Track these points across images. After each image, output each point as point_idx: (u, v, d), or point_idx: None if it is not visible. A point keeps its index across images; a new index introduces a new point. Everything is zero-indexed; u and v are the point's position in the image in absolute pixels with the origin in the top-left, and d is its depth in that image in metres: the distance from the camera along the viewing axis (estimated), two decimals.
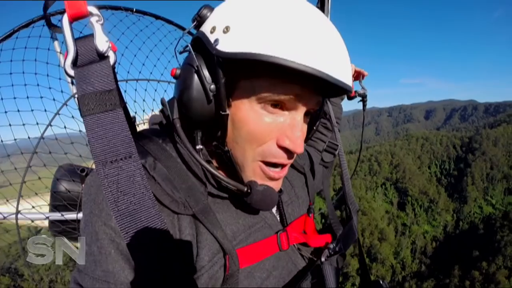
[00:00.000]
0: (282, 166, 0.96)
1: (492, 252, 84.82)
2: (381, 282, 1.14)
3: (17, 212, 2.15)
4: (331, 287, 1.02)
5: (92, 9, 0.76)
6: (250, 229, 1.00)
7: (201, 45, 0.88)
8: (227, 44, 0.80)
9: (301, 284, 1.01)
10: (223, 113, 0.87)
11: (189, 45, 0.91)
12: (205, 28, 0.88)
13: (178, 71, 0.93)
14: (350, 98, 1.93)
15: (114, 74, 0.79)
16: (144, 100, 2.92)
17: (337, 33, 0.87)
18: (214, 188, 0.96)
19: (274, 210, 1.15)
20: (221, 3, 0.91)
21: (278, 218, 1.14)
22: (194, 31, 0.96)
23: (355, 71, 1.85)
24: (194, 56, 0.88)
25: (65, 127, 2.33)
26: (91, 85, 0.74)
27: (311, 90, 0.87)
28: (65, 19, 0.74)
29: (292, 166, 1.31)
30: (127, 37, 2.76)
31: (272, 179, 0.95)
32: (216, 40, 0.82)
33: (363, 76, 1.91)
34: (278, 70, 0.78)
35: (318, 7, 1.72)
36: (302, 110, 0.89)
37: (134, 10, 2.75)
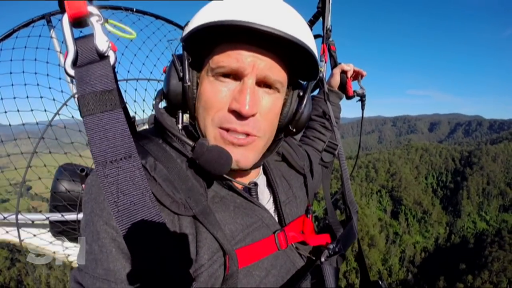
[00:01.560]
0: (245, 136, 0.97)
1: (479, 267, 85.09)
2: (380, 282, 1.15)
3: (17, 212, 2.15)
4: (331, 287, 1.03)
5: (92, 9, 0.76)
6: (248, 229, 1.01)
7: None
8: (185, 32, 0.96)
9: (301, 284, 1.01)
10: (185, 84, 0.99)
11: (173, 55, 1.05)
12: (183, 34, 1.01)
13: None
14: (348, 97, 1.93)
15: (114, 74, 0.80)
16: (144, 100, 2.95)
17: (278, 2, 0.94)
18: (209, 182, 1.00)
19: (272, 210, 1.17)
20: None
21: (276, 218, 1.16)
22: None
23: (354, 71, 1.88)
24: (172, 54, 1.04)
25: (65, 127, 2.37)
26: (91, 85, 0.74)
27: (254, 51, 0.92)
28: (65, 19, 0.75)
29: (291, 166, 1.33)
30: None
31: (230, 143, 0.96)
32: (183, 33, 0.99)
33: (362, 76, 1.93)
34: (221, 39, 0.93)
35: (318, 8, 2.00)
36: (251, 75, 0.93)
37: (134, 10, 2.79)
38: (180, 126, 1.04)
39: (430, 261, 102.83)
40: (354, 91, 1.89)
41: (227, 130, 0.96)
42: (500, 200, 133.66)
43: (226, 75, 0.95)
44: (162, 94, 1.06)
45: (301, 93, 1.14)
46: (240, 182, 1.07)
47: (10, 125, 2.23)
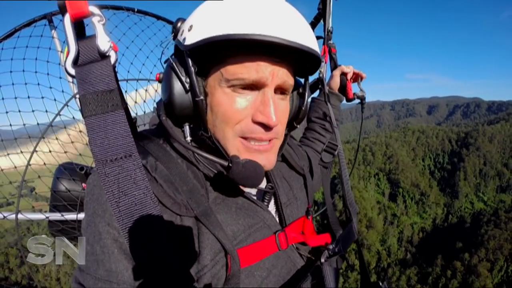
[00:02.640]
0: (263, 141, 0.99)
1: (476, 245, 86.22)
2: (380, 284, 1.15)
3: (17, 211, 2.16)
4: None
5: (93, 9, 0.76)
6: (249, 229, 1.01)
7: (178, 50, 1.00)
8: (191, 38, 0.90)
9: (301, 285, 1.02)
10: (197, 99, 0.95)
11: (170, 58, 1.01)
12: (179, 35, 0.99)
13: (161, 76, 1.03)
14: (348, 100, 1.93)
15: (115, 73, 0.80)
16: (144, 101, 2.94)
17: (285, 8, 0.93)
18: (212, 183, 1.00)
19: (273, 211, 1.18)
20: None
21: (277, 219, 1.16)
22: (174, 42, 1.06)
23: (353, 73, 1.87)
24: (171, 58, 1.00)
25: (65, 127, 2.38)
26: (92, 85, 0.74)
27: (271, 61, 0.92)
28: (67, 18, 0.75)
29: (291, 167, 1.33)
30: (128, 37, 2.77)
31: (256, 151, 0.98)
32: (184, 39, 0.93)
33: (362, 78, 1.92)
34: (236, 48, 0.89)
35: (319, 9, 2.00)
36: (271, 85, 0.94)
37: (136, 10, 2.77)
38: (189, 139, 1.01)
39: (428, 240, 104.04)
40: (354, 94, 1.90)
41: (251, 138, 0.97)
42: (497, 181, 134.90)
43: (244, 86, 0.93)
44: (164, 105, 1.02)
45: (301, 90, 1.16)
46: (258, 187, 1.10)
47: (11, 125, 2.23)
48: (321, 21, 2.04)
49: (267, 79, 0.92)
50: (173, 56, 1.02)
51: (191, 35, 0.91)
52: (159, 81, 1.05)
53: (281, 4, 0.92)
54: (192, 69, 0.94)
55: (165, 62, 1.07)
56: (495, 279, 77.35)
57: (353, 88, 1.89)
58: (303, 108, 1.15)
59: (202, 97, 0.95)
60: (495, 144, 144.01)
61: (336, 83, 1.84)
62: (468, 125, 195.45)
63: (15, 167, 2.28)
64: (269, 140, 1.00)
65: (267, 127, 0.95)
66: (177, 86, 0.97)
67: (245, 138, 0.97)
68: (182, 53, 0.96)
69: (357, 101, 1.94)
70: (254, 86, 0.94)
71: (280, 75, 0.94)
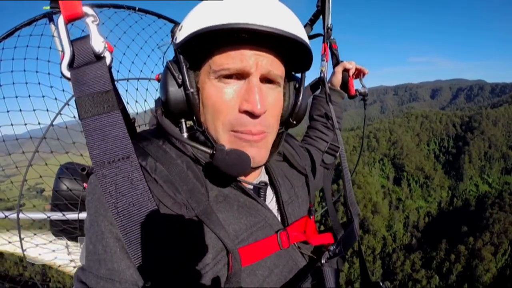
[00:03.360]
0: (253, 134, 0.98)
1: (480, 228, 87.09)
2: (381, 284, 1.15)
3: (19, 211, 2.16)
4: None
5: (87, 9, 0.76)
6: (251, 228, 1.01)
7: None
8: (180, 36, 0.94)
9: (301, 285, 1.02)
10: (187, 91, 0.97)
11: (166, 60, 1.03)
12: (174, 38, 1.01)
13: (161, 75, 1.05)
14: (350, 97, 1.90)
15: (111, 74, 0.81)
16: (145, 100, 2.91)
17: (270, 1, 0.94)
18: (213, 181, 1.00)
19: (274, 210, 1.17)
20: None
21: (279, 218, 1.15)
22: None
23: (356, 69, 1.85)
24: (166, 58, 1.03)
25: (66, 127, 2.36)
26: (88, 87, 0.75)
27: (255, 50, 0.93)
28: (61, 20, 0.75)
29: (292, 166, 1.33)
30: (129, 36, 2.74)
31: (245, 141, 0.97)
32: (175, 38, 0.98)
33: (364, 74, 1.90)
34: (221, 41, 0.92)
35: (318, 6, 1.94)
36: (256, 74, 0.94)
37: (137, 8, 2.74)
38: (185, 134, 1.03)
39: (433, 225, 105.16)
40: (357, 90, 1.87)
41: (240, 132, 0.97)
42: (502, 163, 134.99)
43: (229, 76, 0.94)
44: (161, 103, 1.05)
45: (297, 85, 1.15)
46: (250, 182, 1.09)
47: (12, 124, 2.23)
48: (320, 18, 2.00)
49: (251, 67, 0.93)
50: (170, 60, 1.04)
51: (181, 34, 0.94)
52: (158, 81, 1.06)
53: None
54: (183, 64, 0.96)
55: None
56: (499, 263, 78.23)
57: (355, 84, 1.88)
58: (298, 103, 1.14)
59: (192, 90, 0.97)
60: (499, 127, 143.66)
61: (338, 79, 1.83)
62: (472, 109, 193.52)
63: (16, 167, 2.29)
64: (257, 134, 0.99)
65: (254, 116, 0.95)
66: (171, 82, 0.99)
67: (235, 131, 0.98)
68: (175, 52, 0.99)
69: (357, 87, 1.90)
70: (240, 75, 0.95)
71: (265, 63, 0.95)
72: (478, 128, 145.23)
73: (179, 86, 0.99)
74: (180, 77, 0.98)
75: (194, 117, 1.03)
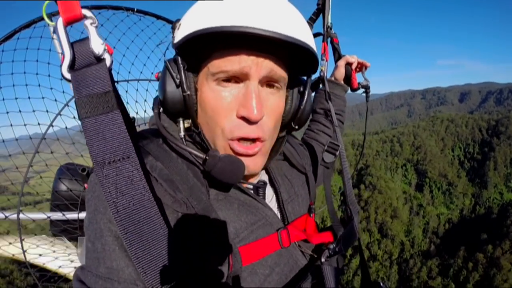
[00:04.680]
0: (252, 141, 0.97)
1: (500, 236, 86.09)
2: (381, 284, 1.14)
3: (19, 211, 2.13)
4: (331, 287, 1.03)
5: (86, 12, 0.76)
6: (252, 226, 1.00)
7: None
8: (178, 36, 0.91)
9: (301, 284, 1.02)
10: (184, 94, 0.96)
11: (165, 57, 1.01)
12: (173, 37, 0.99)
13: (160, 74, 1.04)
14: (353, 90, 1.90)
15: (111, 75, 0.81)
16: (145, 101, 2.88)
17: (273, 2, 0.89)
18: (213, 180, 0.97)
19: (274, 208, 1.16)
20: None
21: (279, 216, 1.15)
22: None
23: (358, 63, 1.85)
24: (165, 58, 1.00)
25: (66, 127, 2.36)
26: (88, 88, 0.76)
27: (255, 54, 0.90)
28: (60, 22, 0.75)
29: (292, 165, 1.32)
30: (128, 37, 2.72)
31: (242, 155, 0.97)
32: (174, 38, 0.95)
33: (366, 67, 1.89)
34: (220, 43, 0.89)
35: (318, 5, 1.93)
36: (255, 77, 0.91)
37: (136, 10, 2.71)
38: (182, 134, 1.02)
39: (453, 232, 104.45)
40: (359, 83, 1.87)
41: (238, 139, 0.96)
42: None
43: (228, 79, 0.93)
44: (159, 103, 1.03)
45: (301, 89, 1.12)
46: (249, 182, 1.08)
47: (11, 125, 2.21)
48: (320, 17, 1.98)
49: (250, 68, 0.90)
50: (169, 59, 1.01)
51: (179, 33, 0.92)
52: (158, 79, 1.05)
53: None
54: (181, 65, 0.95)
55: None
56: None
57: (358, 78, 1.89)
58: (301, 107, 1.09)
59: (189, 92, 0.96)
60: None
61: (341, 73, 1.83)
62: (500, 112, 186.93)
63: (17, 168, 2.28)
64: (256, 139, 0.97)
65: (250, 122, 0.93)
66: (169, 82, 0.97)
67: (231, 140, 0.96)
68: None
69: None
70: (238, 78, 0.92)
71: (265, 65, 0.91)
72: (505, 132, 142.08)
73: (177, 86, 0.97)
74: (178, 77, 0.96)
75: (191, 119, 1.02)
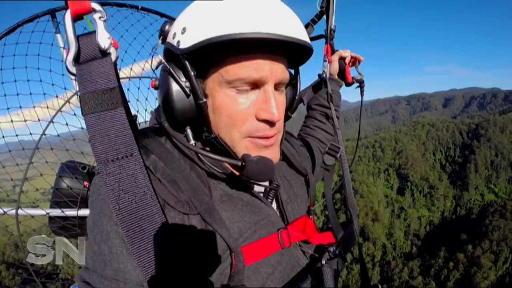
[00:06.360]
0: (268, 138, 0.99)
1: (480, 236, 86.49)
2: (380, 286, 1.15)
3: (18, 207, 2.16)
4: None
5: (95, 5, 0.76)
6: (255, 226, 1.02)
7: (170, 53, 0.97)
8: (186, 41, 0.88)
9: (301, 285, 1.03)
10: (200, 102, 0.93)
11: (161, 57, 0.98)
12: (169, 38, 0.97)
13: (157, 82, 1.01)
14: (347, 84, 1.90)
15: (116, 71, 0.80)
16: (146, 99, 2.89)
17: (275, 3, 0.92)
18: (218, 181, 1.01)
19: (275, 207, 1.18)
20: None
21: (279, 216, 1.15)
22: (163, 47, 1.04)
23: (351, 57, 1.85)
24: (166, 63, 0.95)
25: (67, 124, 2.34)
26: (93, 83, 0.75)
27: (269, 58, 0.92)
28: (68, 15, 0.75)
29: (292, 166, 1.32)
30: (131, 35, 2.73)
31: (264, 147, 0.99)
32: (178, 42, 0.90)
33: (359, 61, 1.89)
34: (234, 48, 0.89)
35: (322, 8, 1.93)
36: (270, 82, 0.94)
37: (140, 7, 2.74)
38: (193, 142, 0.99)
39: (434, 233, 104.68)
40: (353, 77, 1.88)
41: (257, 137, 0.98)
42: (509, 171, 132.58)
43: (245, 85, 0.92)
44: (164, 112, 1.00)
45: (293, 80, 1.15)
46: (262, 184, 1.12)
47: (12, 121, 2.24)
48: (321, 19, 2.00)
49: (267, 77, 0.92)
50: (165, 61, 0.97)
51: (186, 37, 0.88)
52: (155, 88, 1.02)
53: (267, 2, 0.90)
54: (192, 72, 0.91)
55: (156, 67, 1.05)
56: (499, 271, 77.70)
57: (352, 72, 1.90)
58: (296, 98, 1.15)
59: (205, 100, 0.94)
60: (507, 134, 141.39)
61: (335, 68, 1.82)
62: (482, 116, 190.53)
63: (17, 164, 2.31)
64: (273, 136, 1.00)
65: (271, 123, 0.96)
66: (177, 91, 0.94)
67: (251, 137, 0.98)
68: (175, 56, 0.94)
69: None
70: (255, 84, 0.93)
71: (279, 72, 0.95)
72: (485, 135, 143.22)
73: (187, 95, 0.95)
74: (188, 84, 0.94)
75: (205, 127, 1.00)
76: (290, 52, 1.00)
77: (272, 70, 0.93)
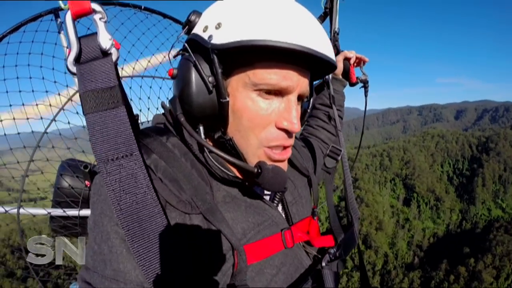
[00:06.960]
0: (283, 148, 0.99)
1: (483, 250, 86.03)
2: None
3: (19, 206, 2.16)
4: None
5: (95, 6, 0.76)
6: (259, 227, 1.01)
7: (195, 45, 0.93)
8: (220, 38, 0.84)
9: (302, 287, 1.02)
10: (223, 100, 0.90)
11: (186, 44, 0.95)
12: (197, 30, 0.93)
13: (175, 71, 0.97)
14: (351, 84, 1.89)
15: (117, 71, 0.80)
16: (149, 98, 2.89)
17: (311, 16, 0.93)
18: (221, 182, 1.00)
19: (280, 208, 1.17)
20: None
21: (284, 218, 1.15)
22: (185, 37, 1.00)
23: (356, 57, 1.83)
24: (192, 53, 0.91)
25: (68, 122, 2.35)
26: (93, 82, 0.75)
27: (298, 70, 0.92)
28: (69, 16, 0.75)
29: (295, 167, 1.32)
30: (134, 35, 2.74)
31: (277, 161, 0.98)
32: (210, 36, 0.87)
33: (364, 62, 1.87)
34: (266, 53, 0.87)
35: (326, 9, 1.96)
36: (295, 92, 0.94)
37: (143, 7, 2.73)
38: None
39: (437, 246, 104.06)
40: (357, 78, 1.86)
41: (274, 147, 0.97)
42: None
43: (269, 91, 0.91)
44: (180, 104, 0.95)
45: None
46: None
47: (14, 118, 2.23)
48: (325, 20, 1.98)
49: (294, 87, 0.92)
50: (188, 52, 0.93)
51: (221, 33, 0.85)
52: (173, 77, 0.98)
53: (304, 10, 0.92)
54: (219, 69, 0.89)
55: (175, 57, 1.04)
56: (500, 287, 76.85)
57: (356, 72, 1.87)
58: (308, 111, 1.15)
59: (228, 99, 0.92)
60: None
61: (339, 68, 1.80)
62: (494, 130, 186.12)
63: (18, 162, 2.28)
64: (287, 147, 1.00)
65: (289, 133, 0.96)
66: (200, 85, 0.91)
67: (268, 147, 0.96)
68: (202, 49, 0.91)
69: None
70: (279, 92, 0.92)
71: (305, 85, 0.96)
72: (494, 149, 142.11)
73: (209, 91, 0.91)
74: (212, 79, 0.90)
75: (222, 126, 0.97)
76: (313, 66, 1.00)
77: (299, 81, 0.93)
